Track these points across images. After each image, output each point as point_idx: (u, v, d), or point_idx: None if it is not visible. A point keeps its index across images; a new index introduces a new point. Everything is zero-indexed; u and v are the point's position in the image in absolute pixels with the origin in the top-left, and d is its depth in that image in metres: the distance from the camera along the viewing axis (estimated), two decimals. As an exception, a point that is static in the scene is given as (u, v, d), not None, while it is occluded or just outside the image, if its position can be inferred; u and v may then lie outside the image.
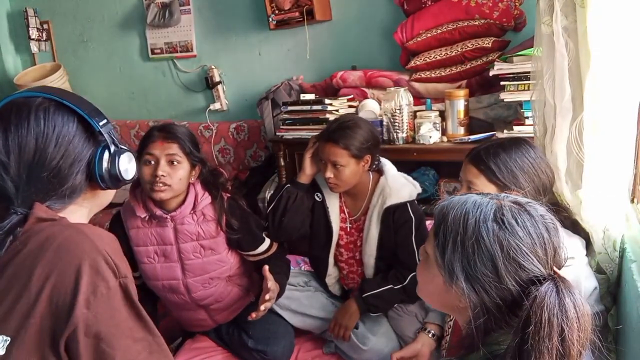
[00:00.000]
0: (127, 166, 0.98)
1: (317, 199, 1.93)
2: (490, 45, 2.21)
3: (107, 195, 1.03)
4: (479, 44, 2.23)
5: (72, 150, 0.91)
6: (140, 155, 1.69)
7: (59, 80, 3.32)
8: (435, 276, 0.83)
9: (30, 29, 3.50)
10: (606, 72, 1.26)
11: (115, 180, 0.96)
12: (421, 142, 2.24)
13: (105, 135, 0.94)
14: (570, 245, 1.30)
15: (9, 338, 0.80)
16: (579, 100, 1.34)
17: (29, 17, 3.50)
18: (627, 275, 1.27)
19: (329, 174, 1.75)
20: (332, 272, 1.98)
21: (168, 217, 1.72)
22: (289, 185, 1.88)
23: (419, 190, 1.88)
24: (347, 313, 1.82)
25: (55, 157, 0.89)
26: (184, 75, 3.30)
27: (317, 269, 2.01)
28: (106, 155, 0.94)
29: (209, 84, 3.16)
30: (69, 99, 0.93)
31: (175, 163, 1.67)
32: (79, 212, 0.97)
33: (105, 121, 0.95)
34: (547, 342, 0.69)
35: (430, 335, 1.68)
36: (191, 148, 1.71)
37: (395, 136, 2.29)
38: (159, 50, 3.31)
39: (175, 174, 1.66)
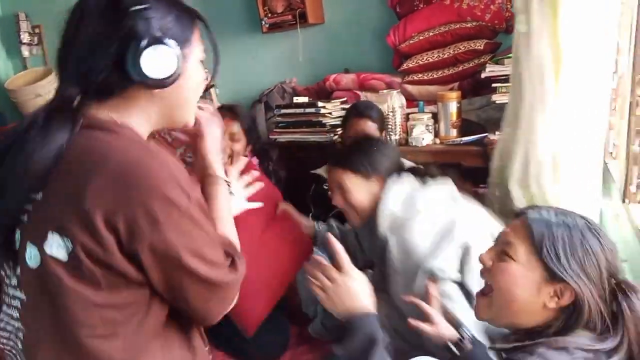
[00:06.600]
0: (155, 61, 0.77)
1: None
2: (482, 48, 2.22)
3: (165, 100, 0.84)
4: (470, 46, 2.24)
5: (96, 31, 0.78)
6: None
7: (50, 85, 3.30)
8: (527, 278, 0.93)
9: (21, 33, 3.50)
10: (577, 69, 1.31)
11: (140, 75, 0.78)
12: (414, 144, 2.25)
13: (138, 20, 0.77)
14: None
15: (71, 246, 0.75)
16: (552, 97, 1.38)
17: (20, 22, 3.49)
18: (619, 275, 1.30)
19: None
20: None
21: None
22: None
23: None
24: None
25: (81, 35, 0.79)
26: (177, 78, 3.29)
27: None
28: (134, 45, 0.77)
29: (202, 88, 3.15)
30: None
31: (235, 139, 2.03)
32: (136, 119, 0.84)
33: (147, 5, 0.77)
34: None
35: None
36: (250, 126, 2.09)
37: (388, 138, 2.30)
38: (151, 54, 3.30)
39: (234, 148, 2.02)
